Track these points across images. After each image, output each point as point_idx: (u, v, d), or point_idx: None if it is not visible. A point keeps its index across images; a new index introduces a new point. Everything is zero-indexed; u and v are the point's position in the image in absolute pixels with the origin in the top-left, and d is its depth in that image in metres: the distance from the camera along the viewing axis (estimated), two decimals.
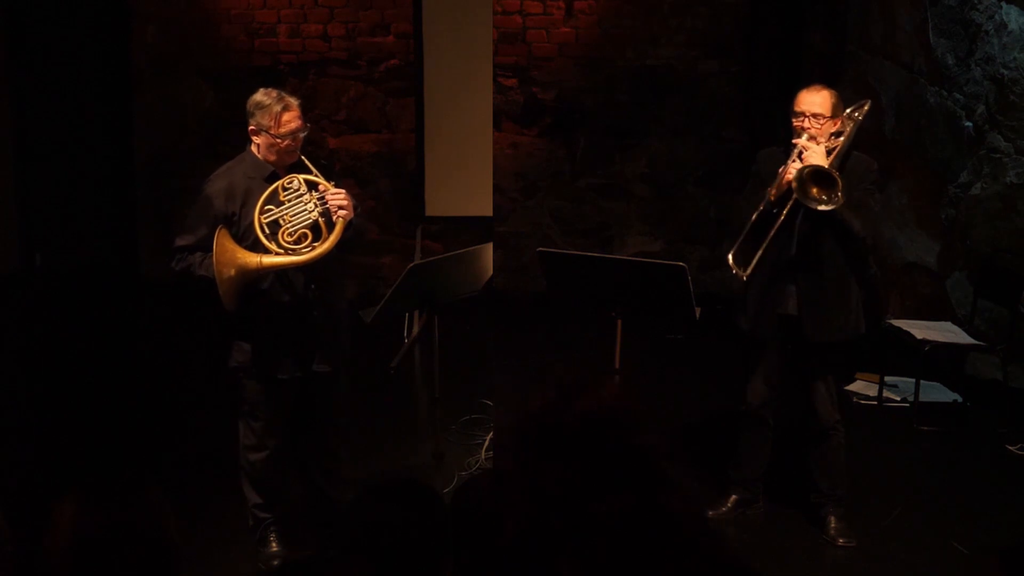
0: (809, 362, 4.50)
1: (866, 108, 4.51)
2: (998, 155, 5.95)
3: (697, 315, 4.51)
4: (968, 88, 6.12)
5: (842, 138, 4.36)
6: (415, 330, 6.91)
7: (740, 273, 4.34)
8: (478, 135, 6.89)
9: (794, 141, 4.32)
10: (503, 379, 5.98)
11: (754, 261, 4.33)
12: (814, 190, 4.17)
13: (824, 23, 7.53)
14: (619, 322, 4.59)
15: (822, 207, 4.15)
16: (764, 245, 4.32)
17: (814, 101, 4.33)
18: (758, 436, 4.65)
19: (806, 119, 4.31)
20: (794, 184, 4.17)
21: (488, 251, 5.18)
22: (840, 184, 4.12)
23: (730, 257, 4.37)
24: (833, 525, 4.55)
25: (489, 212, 6.98)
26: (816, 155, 4.22)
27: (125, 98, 8.22)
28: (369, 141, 8.12)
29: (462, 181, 6.99)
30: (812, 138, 4.29)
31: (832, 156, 4.28)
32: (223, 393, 5.99)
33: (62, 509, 2.00)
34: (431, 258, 5.48)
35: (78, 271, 8.19)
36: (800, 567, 4.44)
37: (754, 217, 4.35)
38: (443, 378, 5.11)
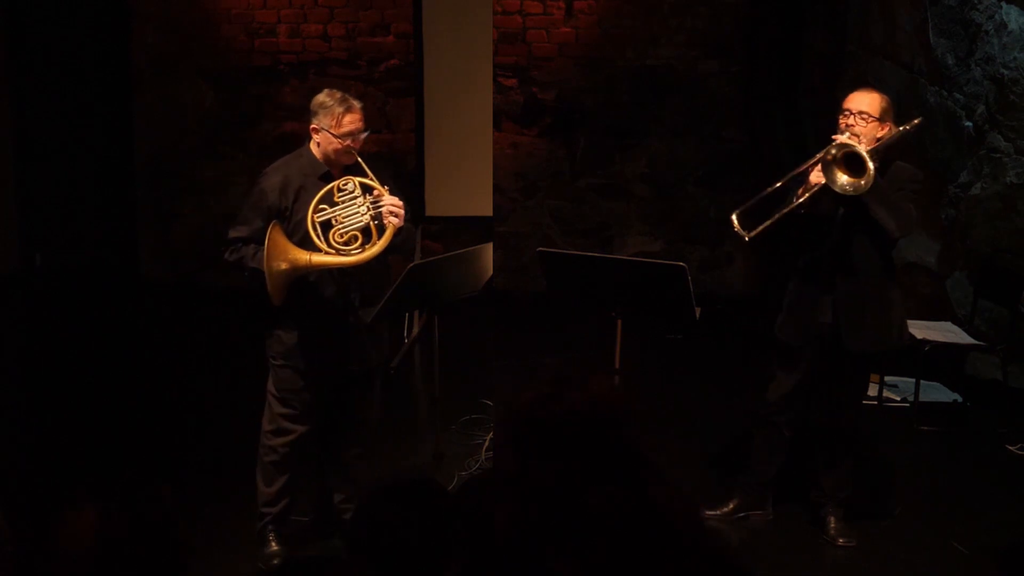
0: (841, 369, 4.43)
1: (916, 122, 4.39)
2: (998, 155, 5.95)
3: (697, 315, 4.51)
4: (968, 88, 6.12)
5: (882, 136, 4.25)
6: (415, 330, 6.92)
7: (743, 234, 4.23)
8: (478, 135, 6.89)
9: (833, 137, 4.22)
10: (503, 379, 5.98)
11: (761, 228, 4.21)
12: (841, 174, 4.08)
13: (824, 23, 7.53)
14: (619, 322, 4.58)
15: (848, 190, 4.07)
16: (776, 217, 4.20)
17: (863, 100, 4.27)
18: (770, 442, 4.60)
19: (852, 116, 4.24)
20: (821, 166, 4.11)
21: (488, 251, 5.18)
22: (869, 167, 4.00)
23: (734, 217, 4.25)
24: (833, 525, 4.54)
25: (489, 212, 6.98)
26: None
27: (125, 98, 8.22)
28: (369, 141, 8.05)
29: (462, 181, 6.99)
30: (855, 136, 4.20)
31: (878, 146, 4.18)
32: (223, 393, 6.02)
33: (81, 513, 1.99)
34: (431, 258, 5.47)
35: (78, 271, 8.20)
36: (800, 567, 4.43)
37: (778, 184, 4.24)
38: (443, 378, 5.11)
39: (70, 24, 8.14)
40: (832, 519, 4.55)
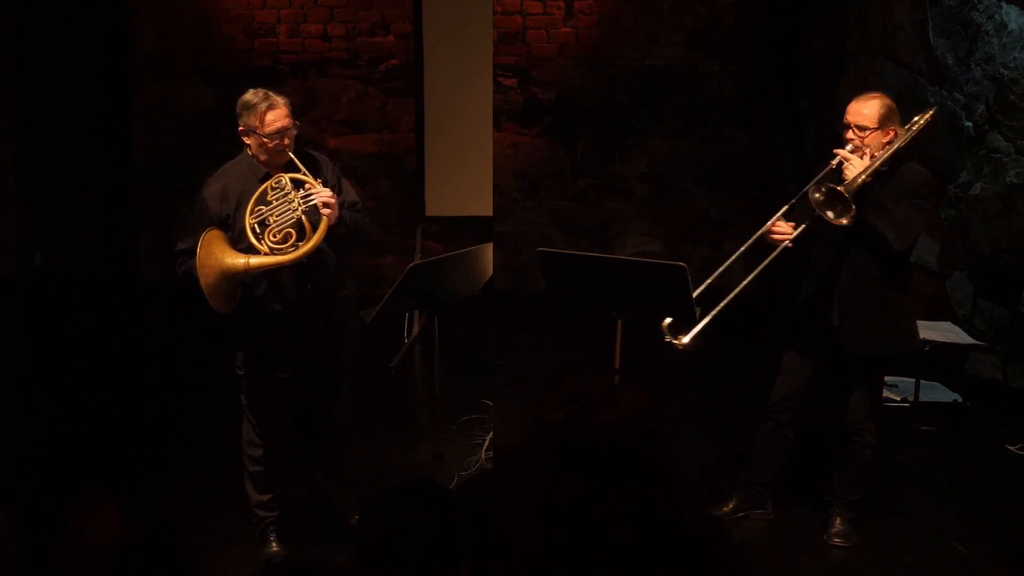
0: (847, 371, 4.43)
1: (927, 116, 4.35)
2: (998, 155, 5.95)
3: (697, 315, 4.50)
4: (968, 88, 6.12)
5: (887, 149, 4.22)
6: (415, 330, 6.92)
7: (678, 343, 4.33)
8: (478, 135, 6.90)
9: (835, 151, 4.23)
10: (503, 379, 5.98)
11: (696, 329, 4.34)
12: (828, 212, 4.12)
13: (824, 23, 7.53)
14: (619, 322, 4.58)
15: (837, 221, 4.10)
16: (717, 309, 4.37)
17: (859, 112, 4.23)
18: (772, 441, 4.60)
19: (850, 130, 4.23)
20: (812, 201, 4.13)
21: (488, 251, 5.18)
22: (850, 203, 4.04)
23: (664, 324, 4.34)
24: (836, 526, 4.54)
25: (489, 212, 6.99)
26: (854, 168, 4.15)
27: (125, 98, 8.22)
28: (369, 141, 8.12)
29: (462, 181, 6.99)
30: (857, 149, 4.20)
31: (869, 170, 4.15)
32: (223, 393, 6.00)
33: (83, 514, 1.99)
34: (431, 258, 5.47)
35: (78, 271, 8.19)
36: (800, 567, 4.43)
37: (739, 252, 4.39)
38: (443, 378, 5.11)
39: (70, 24, 8.13)
40: (837, 520, 4.55)
